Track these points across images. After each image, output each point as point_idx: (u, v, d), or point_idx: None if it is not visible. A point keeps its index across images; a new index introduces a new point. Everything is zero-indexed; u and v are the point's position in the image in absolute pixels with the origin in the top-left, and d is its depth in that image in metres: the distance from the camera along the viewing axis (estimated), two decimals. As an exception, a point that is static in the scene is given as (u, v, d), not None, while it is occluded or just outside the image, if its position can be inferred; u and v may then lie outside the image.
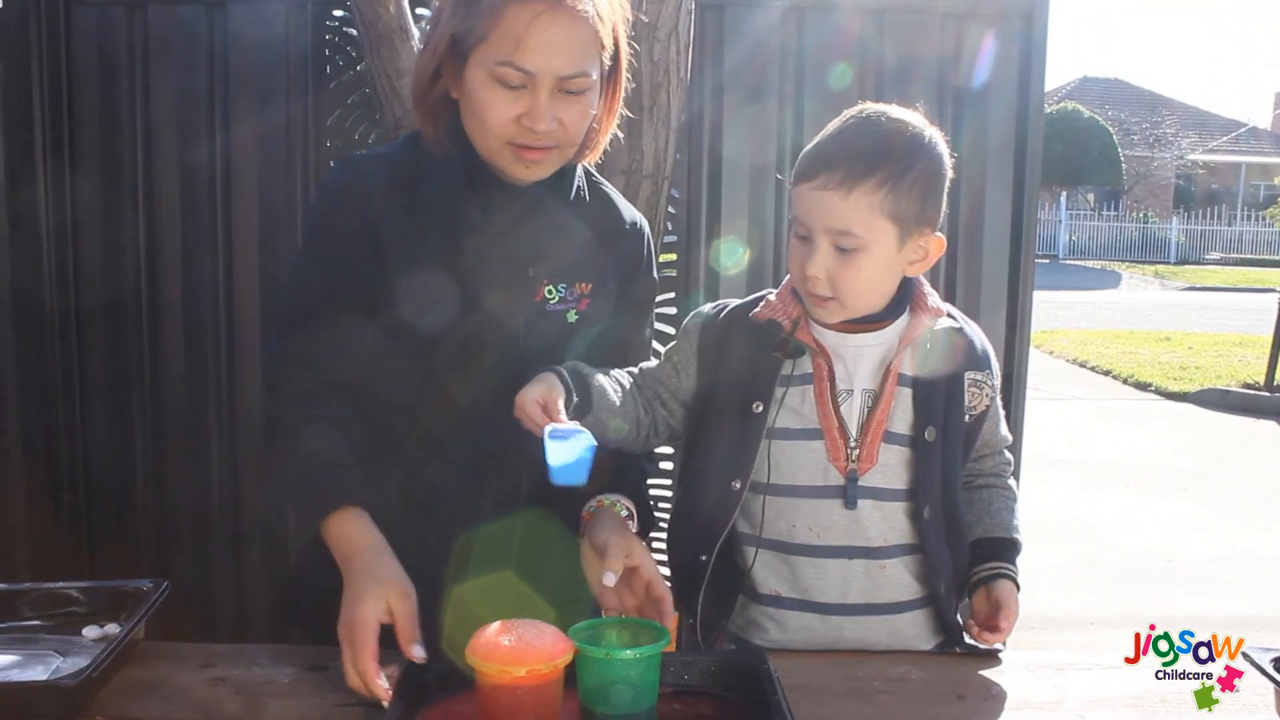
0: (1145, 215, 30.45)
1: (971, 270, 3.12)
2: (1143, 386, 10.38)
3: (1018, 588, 1.54)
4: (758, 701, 1.21)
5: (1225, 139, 35.06)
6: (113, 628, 1.44)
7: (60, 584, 1.51)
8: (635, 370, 1.60)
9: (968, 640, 1.54)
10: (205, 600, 3.07)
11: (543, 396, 1.36)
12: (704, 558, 1.52)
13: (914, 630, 1.55)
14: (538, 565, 1.54)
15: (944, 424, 1.50)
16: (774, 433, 1.49)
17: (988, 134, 3.08)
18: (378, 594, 1.30)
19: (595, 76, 1.45)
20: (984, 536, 1.59)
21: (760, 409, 1.48)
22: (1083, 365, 11.61)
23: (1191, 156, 32.71)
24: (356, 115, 3.05)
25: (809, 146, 1.47)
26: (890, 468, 1.49)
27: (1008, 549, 1.58)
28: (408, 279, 1.48)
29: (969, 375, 1.54)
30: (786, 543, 1.51)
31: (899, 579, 1.52)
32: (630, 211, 1.69)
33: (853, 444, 1.48)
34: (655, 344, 3.00)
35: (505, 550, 1.54)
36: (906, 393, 1.50)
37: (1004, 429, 1.64)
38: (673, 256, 3.06)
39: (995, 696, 1.38)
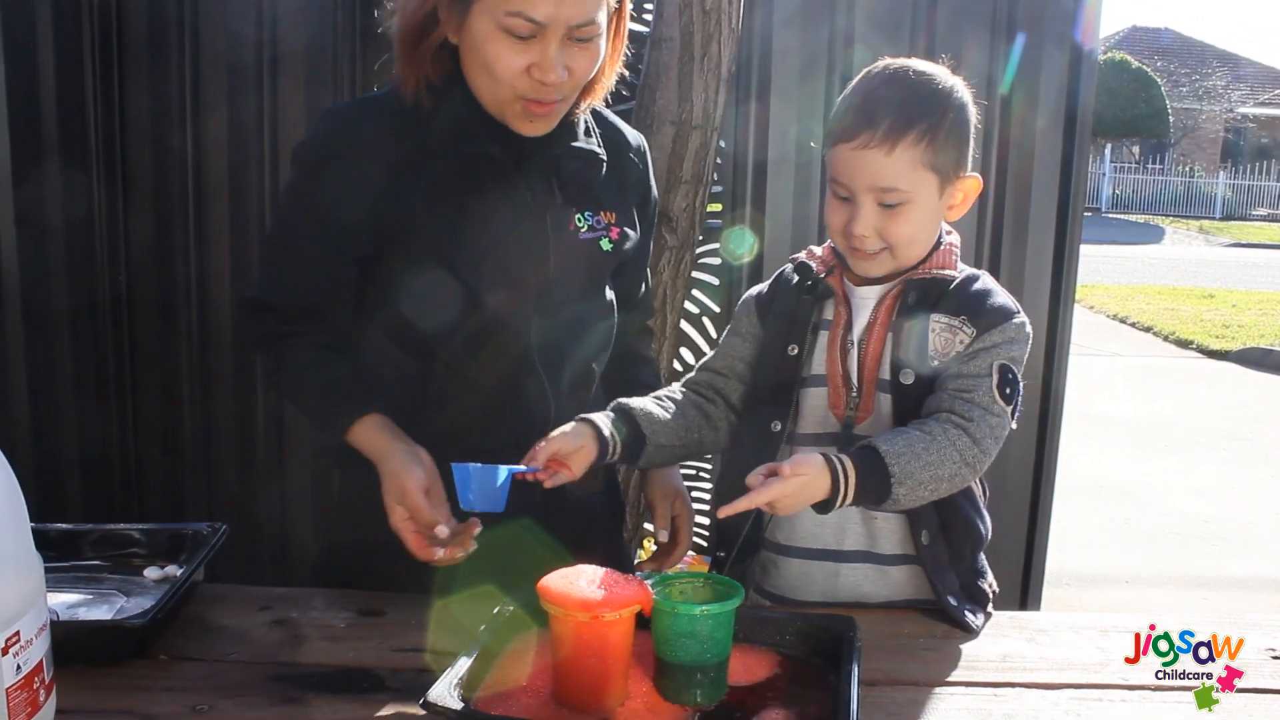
0: (1191, 169, 29.87)
1: (1019, 219, 3.08)
2: (1184, 344, 10.26)
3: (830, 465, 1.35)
4: (833, 665, 1.22)
5: (1278, 92, 34.20)
6: (173, 569, 1.48)
7: (121, 525, 1.55)
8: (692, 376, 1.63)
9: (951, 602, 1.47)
10: (251, 541, 3.12)
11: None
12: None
13: (913, 582, 1.50)
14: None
15: (916, 368, 1.44)
16: (805, 380, 1.51)
17: (1040, 79, 3.01)
18: (412, 468, 1.39)
19: (603, 21, 1.43)
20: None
21: (795, 351, 1.51)
22: (1123, 321, 11.49)
23: (1242, 110, 31.97)
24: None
25: (839, 107, 1.47)
26: (883, 417, 1.46)
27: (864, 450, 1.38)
28: (430, 217, 1.47)
29: (935, 318, 1.45)
30: None
31: (891, 529, 1.49)
32: (633, 135, 1.70)
33: (854, 393, 1.48)
34: (697, 293, 3.04)
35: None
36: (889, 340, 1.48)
37: (983, 391, 1.42)
38: (718, 207, 3.04)
39: (1038, 657, 1.38)
